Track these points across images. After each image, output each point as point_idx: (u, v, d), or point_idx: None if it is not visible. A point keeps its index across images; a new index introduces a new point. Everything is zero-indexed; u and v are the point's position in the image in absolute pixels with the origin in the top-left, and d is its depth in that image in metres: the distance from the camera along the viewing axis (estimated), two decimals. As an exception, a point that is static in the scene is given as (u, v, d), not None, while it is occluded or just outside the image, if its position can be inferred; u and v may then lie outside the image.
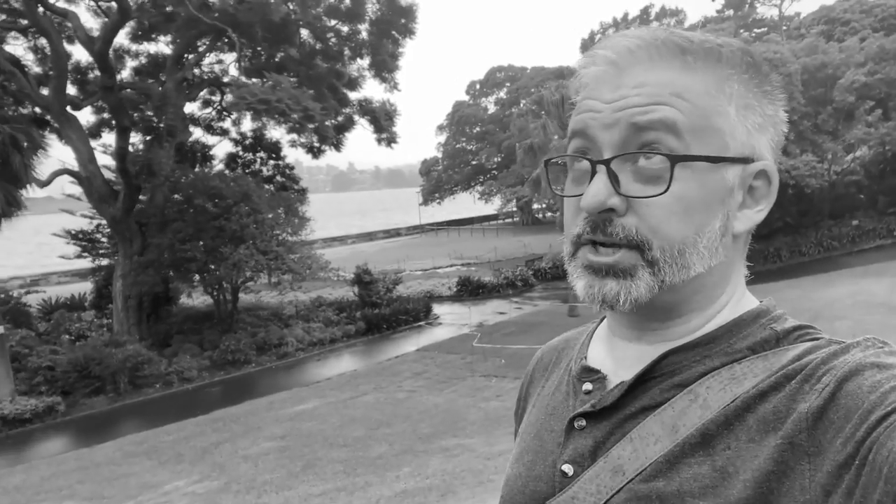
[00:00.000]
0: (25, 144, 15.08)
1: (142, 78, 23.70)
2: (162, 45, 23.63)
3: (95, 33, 18.88)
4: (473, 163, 61.91)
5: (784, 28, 44.28)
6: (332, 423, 12.80)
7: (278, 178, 26.91)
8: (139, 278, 18.73)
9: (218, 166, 24.95)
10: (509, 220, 65.92)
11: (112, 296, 20.42)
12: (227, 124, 26.49)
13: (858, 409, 0.56)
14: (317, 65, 24.08)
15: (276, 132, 25.26)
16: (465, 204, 66.47)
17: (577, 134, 0.69)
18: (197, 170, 22.09)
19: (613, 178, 0.66)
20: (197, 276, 19.38)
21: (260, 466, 10.69)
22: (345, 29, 24.52)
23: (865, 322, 15.00)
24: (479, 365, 16.47)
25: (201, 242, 18.97)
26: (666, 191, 0.64)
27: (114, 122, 18.79)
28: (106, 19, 18.84)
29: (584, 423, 0.72)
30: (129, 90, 18.83)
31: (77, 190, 20.67)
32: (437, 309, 24.37)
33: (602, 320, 0.82)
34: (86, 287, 26.27)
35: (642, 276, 0.66)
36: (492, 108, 62.49)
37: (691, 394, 0.66)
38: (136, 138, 21.52)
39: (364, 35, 24.50)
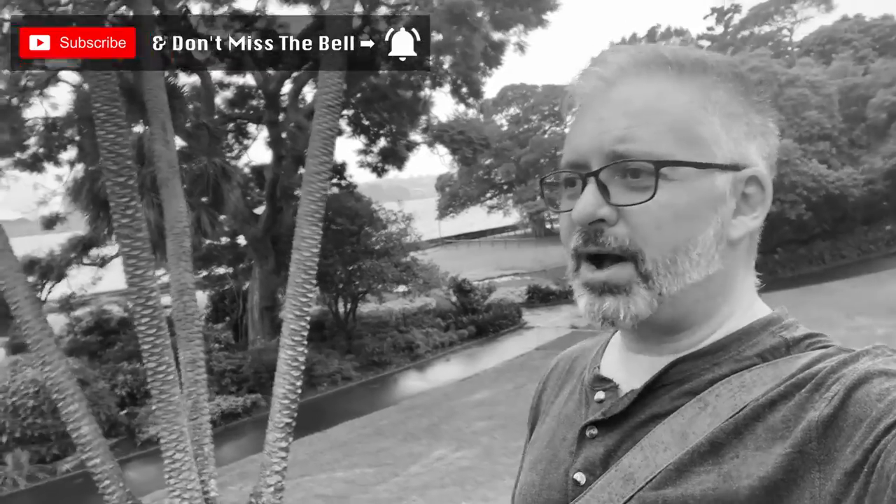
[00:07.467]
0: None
1: (228, 108, 26.01)
2: (248, 77, 25.94)
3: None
4: (485, 178, 64.87)
5: (795, 49, 47.49)
6: (524, 406, 14.96)
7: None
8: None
9: None
10: (520, 231, 69.10)
11: (248, 307, 22.47)
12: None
13: (867, 417, 0.56)
14: (400, 94, 26.59)
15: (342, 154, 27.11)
16: (475, 217, 69.13)
17: (571, 152, 0.72)
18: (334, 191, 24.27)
19: (603, 190, 0.68)
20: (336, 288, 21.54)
21: (499, 439, 12.83)
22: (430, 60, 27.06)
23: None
24: (608, 358, 18.78)
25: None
26: (653, 196, 0.66)
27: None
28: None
29: (595, 431, 0.74)
30: (292, 125, 21.15)
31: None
32: (519, 314, 26.69)
33: (617, 330, 0.82)
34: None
35: (638, 291, 0.68)
36: (505, 126, 65.56)
37: (701, 402, 0.67)
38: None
39: (447, 66, 27.07)
